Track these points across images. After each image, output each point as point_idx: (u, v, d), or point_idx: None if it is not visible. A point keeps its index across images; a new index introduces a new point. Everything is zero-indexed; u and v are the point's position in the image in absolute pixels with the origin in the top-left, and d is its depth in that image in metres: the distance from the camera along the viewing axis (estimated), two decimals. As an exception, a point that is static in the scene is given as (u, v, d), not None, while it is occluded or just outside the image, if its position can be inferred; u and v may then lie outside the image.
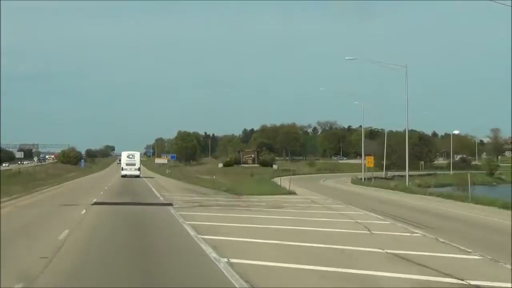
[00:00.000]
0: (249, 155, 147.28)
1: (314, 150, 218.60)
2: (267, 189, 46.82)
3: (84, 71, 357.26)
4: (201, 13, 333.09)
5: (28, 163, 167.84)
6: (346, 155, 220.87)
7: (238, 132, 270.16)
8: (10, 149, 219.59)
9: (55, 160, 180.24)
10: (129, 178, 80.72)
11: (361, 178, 77.80)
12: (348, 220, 23.67)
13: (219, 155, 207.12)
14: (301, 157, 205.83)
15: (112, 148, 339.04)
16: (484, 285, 11.18)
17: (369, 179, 76.60)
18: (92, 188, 52.23)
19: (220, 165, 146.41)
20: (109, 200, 34.63)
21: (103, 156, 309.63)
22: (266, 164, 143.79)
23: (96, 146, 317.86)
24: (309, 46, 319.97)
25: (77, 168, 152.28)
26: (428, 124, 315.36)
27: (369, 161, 76.01)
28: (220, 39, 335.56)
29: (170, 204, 31.06)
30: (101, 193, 42.82)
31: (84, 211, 26.29)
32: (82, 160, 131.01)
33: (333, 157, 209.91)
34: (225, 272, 11.84)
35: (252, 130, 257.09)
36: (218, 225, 21.15)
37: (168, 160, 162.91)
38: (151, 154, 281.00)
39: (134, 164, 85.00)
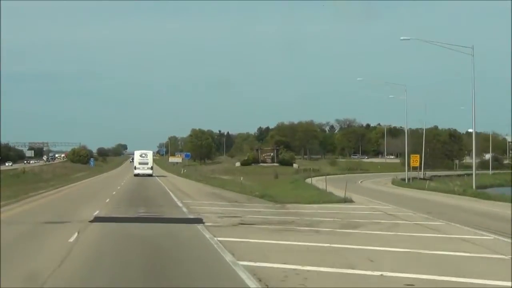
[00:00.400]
0: (268, 154, 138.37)
1: (333, 149, 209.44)
2: (312, 195, 37.80)
3: (97, 71, 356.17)
4: (214, 13, 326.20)
5: (34, 162, 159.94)
6: (366, 154, 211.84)
7: (252, 130, 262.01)
8: (20, 148, 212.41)
9: (65, 159, 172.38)
10: (142, 179, 72.65)
11: (404, 179, 68.78)
12: (501, 257, 14.64)
13: (235, 154, 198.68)
14: (319, 156, 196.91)
15: (125, 147, 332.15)
16: None
17: (413, 179, 67.60)
18: (98, 192, 43.63)
19: (237, 164, 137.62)
20: (116, 211, 25.94)
21: (115, 154, 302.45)
22: (286, 163, 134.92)
23: (109, 144, 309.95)
24: (322, 44, 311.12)
25: (87, 167, 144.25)
26: (449, 120, 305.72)
27: (414, 160, 66.95)
28: (230, 39, 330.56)
29: (200, 221, 22.20)
30: (107, 200, 34.08)
31: (76, 235, 17.44)
32: (92, 159, 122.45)
33: (352, 156, 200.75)
34: None
35: (267, 128, 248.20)
36: (300, 270, 12.17)
37: (182, 159, 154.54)
38: (164, 152, 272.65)
39: (147, 163, 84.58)
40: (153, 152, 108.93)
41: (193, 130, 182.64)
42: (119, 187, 53.62)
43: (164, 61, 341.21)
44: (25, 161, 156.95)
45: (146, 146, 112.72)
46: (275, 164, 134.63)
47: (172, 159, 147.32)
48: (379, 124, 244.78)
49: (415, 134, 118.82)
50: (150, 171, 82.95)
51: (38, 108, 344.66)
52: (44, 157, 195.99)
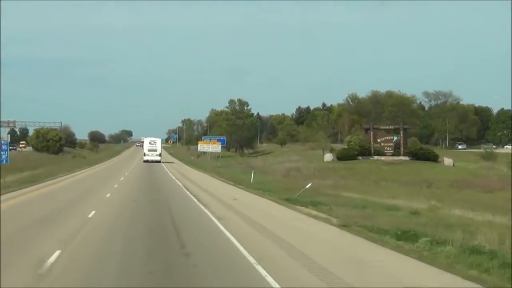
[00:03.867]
0: (387, 139, 73.85)
1: (428, 133, 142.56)
2: None
3: (108, 57, 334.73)
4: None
5: None
6: (472, 141, 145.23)
7: (288, 111, 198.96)
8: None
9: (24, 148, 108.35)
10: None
11: None
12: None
13: (284, 140, 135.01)
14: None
15: (130, 133, 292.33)
16: None
17: None
18: None
19: (329, 157, 73.35)
20: None
21: (118, 141, 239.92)
22: (424, 156, 70.67)
23: (113, 131, 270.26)
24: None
25: (53, 159, 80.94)
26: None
27: None
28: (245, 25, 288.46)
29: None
30: None
31: None
32: (4, 143, 50.74)
33: (457, 144, 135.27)
34: None
35: (307, 108, 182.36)
36: None
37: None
38: (176, 139, 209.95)
39: (155, 150, 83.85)
40: (162, 140, 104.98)
41: (231, 102, 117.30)
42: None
43: (174, 48, 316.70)
44: None
45: (153, 133, 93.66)
46: (401, 157, 70.67)
47: (202, 146, 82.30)
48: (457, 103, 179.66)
49: None
50: (158, 158, 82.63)
51: (50, 93, 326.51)
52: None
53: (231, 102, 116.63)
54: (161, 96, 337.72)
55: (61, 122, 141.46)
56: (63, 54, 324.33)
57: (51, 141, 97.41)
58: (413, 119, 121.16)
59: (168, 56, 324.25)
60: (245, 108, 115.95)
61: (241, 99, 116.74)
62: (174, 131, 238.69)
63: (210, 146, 79.67)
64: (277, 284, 9.54)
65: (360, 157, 70.86)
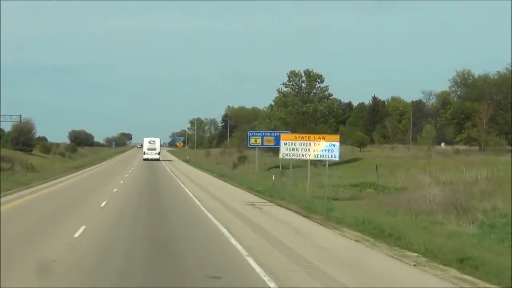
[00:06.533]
0: None
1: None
2: None
3: (107, 62, 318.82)
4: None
5: None
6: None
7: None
8: None
9: None
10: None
11: None
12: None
13: (363, 139, 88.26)
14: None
15: (129, 137, 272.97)
16: None
17: None
18: None
19: None
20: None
21: (110, 145, 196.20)
22: None
23: (113, 134, 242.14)
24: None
25: None
26: None
27: None
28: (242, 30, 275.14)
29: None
30: None
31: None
32: None
33: None
34: None
35: (349, 104, 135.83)
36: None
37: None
38: (184, 141, 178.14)
39: (155, 149, 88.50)
40: (165, 143, 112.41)
41: (293, 76, 68.42)
42: None
43: (175, 52, 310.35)
44: None
45: (156, 136, 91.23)
46: None
47: (289, 147, 32.71)
48: None
49: None
50: (157, 156, 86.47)
51: (58, 101, 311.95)
52: None
53: (294, 75, 68.37)
54: (163, 100, 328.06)
55: (20, 115, 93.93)
56: (62, 60, 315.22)
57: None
58: None
59: (169, 60, 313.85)
60: (317, 84, 68.12)
61: (310, 70, 68.67)
62: (180, 134, 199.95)
63: (311, 145, 30.67)
64: None
65: None
